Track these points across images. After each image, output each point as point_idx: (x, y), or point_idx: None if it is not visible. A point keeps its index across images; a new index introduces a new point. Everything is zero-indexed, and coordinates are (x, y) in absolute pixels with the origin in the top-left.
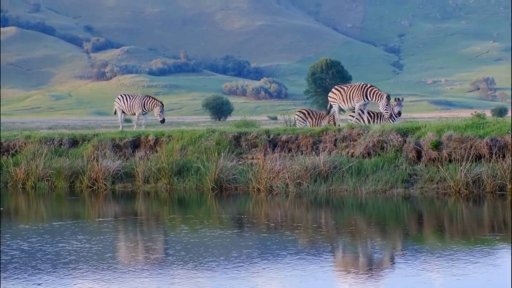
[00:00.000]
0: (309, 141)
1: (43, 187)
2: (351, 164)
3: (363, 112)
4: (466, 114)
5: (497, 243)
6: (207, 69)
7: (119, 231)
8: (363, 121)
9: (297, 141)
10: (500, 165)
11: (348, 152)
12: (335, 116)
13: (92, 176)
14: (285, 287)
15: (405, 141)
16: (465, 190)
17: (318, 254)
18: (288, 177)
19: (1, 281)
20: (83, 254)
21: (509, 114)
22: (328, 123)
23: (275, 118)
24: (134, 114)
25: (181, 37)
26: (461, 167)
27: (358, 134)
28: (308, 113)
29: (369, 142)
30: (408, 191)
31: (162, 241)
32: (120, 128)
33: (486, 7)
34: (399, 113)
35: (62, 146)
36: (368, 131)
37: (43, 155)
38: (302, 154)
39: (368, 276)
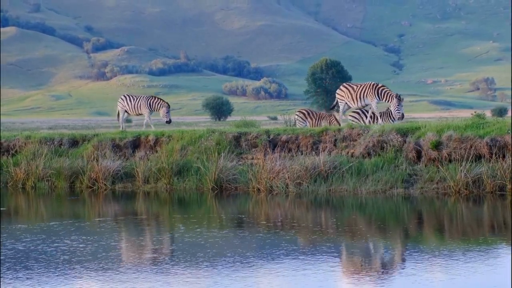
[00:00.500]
0: (309, 141)
1: (43, 187)
2: (351, 164)
3: (363, 112)
4: (466, 114)
5: (497, 243)
6: (207, 69)
7: (118, 231)
8: (363, 121)
9: (297, 141)
10: (500, 165)
11: (348, 152)
12: (337, 115)
13: (92, 176)
14: (285, 287)
15: (405, 141)
16: (465, 190)
17: (318, 254)
18: (288, 177)
19: (1, 281)
20: (82, 254)
21: (509, 114)
22: (329, 123)
23: (275, 118)
24: (139, 114)
25: (181, 37)
26: (461, 167)
27: (358, 134)
28: (308, 113)
29: (369, 142)
30: (408, 191)
31: (161, 241)
32: (121, 128)
33: (486, 7)
34: (402, 116)
35: (62, 146)
36: (368, 131)
37: (43, 155)
38: (302, 154)
39: (368, 276)
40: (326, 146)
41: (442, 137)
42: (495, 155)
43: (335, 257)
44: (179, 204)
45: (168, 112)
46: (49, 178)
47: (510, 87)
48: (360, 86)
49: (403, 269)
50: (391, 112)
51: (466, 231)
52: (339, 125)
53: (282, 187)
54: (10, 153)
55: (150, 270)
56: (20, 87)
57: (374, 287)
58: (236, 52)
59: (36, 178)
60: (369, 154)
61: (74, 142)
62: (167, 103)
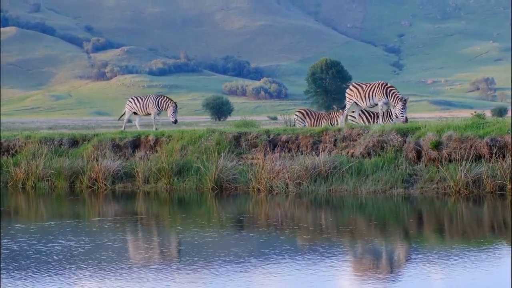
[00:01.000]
0: (309, 141)
1: (43, 187)
2: (351, 164)
3: (362, 113)
4: (466, 114)
5: (497, 243)
6: (207, 69)
7: (118, 231)
8: (363, 121)
9: (297, 141)
10: (500, 165)
11: (348, 152)
12: (342, 114)
13: (92, 176)
14: (285, 287)
15: (405, 141)
16: (465, 190)
17: (318, 254)
18: (288, 177)
19: (1, 281)
20: (81, 254)
21: (509, 114)
22: (329, 122)
23: (275, 118)
24: (148, 114)
25: (181, 37)
26: (461, 167)
27: (358, 134)
28: (307, 113)
29: (369, 142)
30: (408, 191)
31: (161, 241)
32: (123, 128)
33: (486, 7)
34: (406, 120)
35: (62, 146)
36: (368, 131)
37: (43, 155)
38: (302, 154)
39: (368, 276)
40: (326, 146)
41: (442, 137)
42: (495, 155)
43: (335, 257)
44: (179, 204)
45: (175, 112)
46: (49, 178)
47: (510, 87)
48: (369, 86)
49: (403, 269)
50: (391, 112)
51: (466, 231)
52: (345, 120)
53: (282, 187)
54: (10, 153)
55: (150, 270)
56: (20, 87)
57: (374, 287)
58: (236, 52)
59: (36, 178)
60: (369, 154)
61: (74, 142)
62: (174, 102)
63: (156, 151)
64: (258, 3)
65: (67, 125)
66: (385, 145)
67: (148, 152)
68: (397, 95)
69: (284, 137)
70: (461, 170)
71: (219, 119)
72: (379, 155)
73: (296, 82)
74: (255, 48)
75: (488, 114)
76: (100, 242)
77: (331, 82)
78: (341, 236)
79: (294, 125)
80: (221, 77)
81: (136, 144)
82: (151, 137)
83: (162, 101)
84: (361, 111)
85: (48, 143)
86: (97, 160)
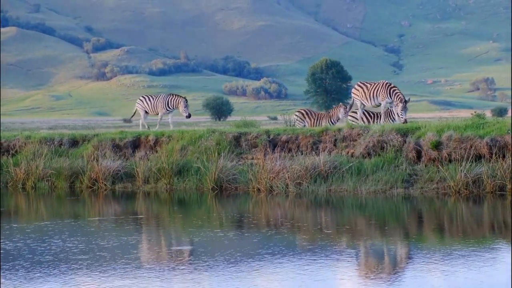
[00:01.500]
0: (309, 141)
1: (43, 187)
2: (351, 164)
3: (363, 113)
4: (466, 114)
5: (497, 243)
6: (207, 69)
7: (118, 231)
8: (363, 121)
9: (297, 141)
10: (500, 165)
11: (348, 152)
12: (358, 112)
13: (92, 176)
14: (285, 287)
15: (405, 141)
16: (465, 190)
17: (318, 254)
18: (288, 177)
19: (0, 281)
20: (79, 254)
21: (509, 114)
22: (330, 120)
23: (275, 118)
24: (157, 114)
25: (181, 38)
26: (461, 167)
27: (358, 134)
28: (307, 113)
29: (369, 142)
30: (408, 191)
31: (161, 241)
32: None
33: (486, 8)
34: (405, 121)
35: (62, 146)
36: (368, 131)
37: (43, 155)
38: (302, 154)
39: (368, 276)
40: (326, 146)
41: (442, 137)
42: (495, 155)
43: (335, 257)
44: (179, 204)
45: (186, 106)
46: (49, 178)
47: (510, 87)
48: (373, 85)
49: (403, 269)
50: (392, 112)
51: (466, 231)
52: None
53: (282, 187)
54: (10, 153)
55: (149, 270)
56: (20, 87)
57: (374, 287)
58: (236, 52)
59: (36, 178)
60: (369, 154)
61: (74, 142)
62: (184, 98)
63: (156, 151)
64: (258, 3)
65: (67, 125)
66: (385, 145)
67: (148, 152)
68: (399, 96)
69: (284, 137)
70: (461, 170)
71: (219, 119)
72: (379, 155)
73: (296, 82)
74: (255, 48)
75: (488, 114)
76: (100, 242)
77: (331, 82)
78: (341, 236)
79: (294, 125)
80: (221, 77)
81: (136, 144)
82: (151, 137)
83: (172, 100)
84: (363, 111)
85: (48, 143)
86: (97, 160)
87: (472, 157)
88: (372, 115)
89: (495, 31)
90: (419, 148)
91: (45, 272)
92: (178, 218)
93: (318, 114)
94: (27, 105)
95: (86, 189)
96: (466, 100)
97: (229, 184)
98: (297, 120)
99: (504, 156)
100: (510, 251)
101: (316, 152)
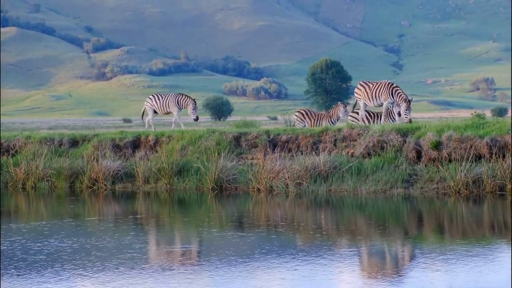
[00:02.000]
0: (309, 141)
1: (43, 187)
2: (351, 164)
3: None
4: (466, 114)
5: (497, 243)
6: (207, 69)
7: (118, 231)
8: (363, 121)
9: (297, 141)
10: (500, 165)
11: (348, 152)
12: (360, 112)
13: (92, 176)
14: (285, 287)
15: (405, 141)
16: (465, 190)
17: (318, 254)
18: (288, 177)
19: (1, 281)
20: (80, 254)
21: (509, 114)
22: (330, 120)
23: (275, 118)
24: (167, 113)
25: (181, 38)
26: (461, 167)
27: (358, 134)
28: (307, 113)
29: (369, 142)
30: (408, 191)
31: (161, 241)
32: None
33: (486, 8)
34: (410, 121)
35: (62, 146)
36: (368, 131)
37: (43, 155)
38: (302, 154)
39: (368, 276)
40: (326, 146)
41: (442, 137)
42: (495, 155)
43: (335, 257)
44: (179, 204)
45: (194, 109)
46: (49, 178)
47: (510, 87)
48: (376, 85)
49: (403, 268)
50: (392, 113)
51: (466, 231)
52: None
53: (282, 187)
54: (10, 153)
55: (149, 270)
56: (20, 87)
57: (374, 287)
58: (236, 52)
59: (36, 178)
60: (369, 154)
61: (74, 142)
62: (193, 99)
63: (156, 151)
64: (258, 3)
65: (67, 125)
66: (385, 145)
67: (148, 152)
68: (402, 95)
69: (284, 137)
70: (461, 170)
71: (219, 119)
72: (379, 155)
73: (296, 82)
74: (255, 48)
75: (488, 114)
76: (99, 242)
77: (331, 82)
78: (341, 236)
79: (294, 125)
80: (221, 77)
81: (136, 144)
82: (151, 137)
83: (182, 100)
84: (365, 111)
85: (48, 143)
86: (97, 160)
87: (472, 157)
88: (372, 115)
89: (495, 31)
90: (419, 148)
91: (44, 272)
92: (178, 218)
93: (318, 114)
94: (27, 105)
95: (86, 189)
96: (466, 100)
97: (229, 184)
98: (297, 120)
99: (504, 156)
100: (510, 251)
101: (316, 152)
